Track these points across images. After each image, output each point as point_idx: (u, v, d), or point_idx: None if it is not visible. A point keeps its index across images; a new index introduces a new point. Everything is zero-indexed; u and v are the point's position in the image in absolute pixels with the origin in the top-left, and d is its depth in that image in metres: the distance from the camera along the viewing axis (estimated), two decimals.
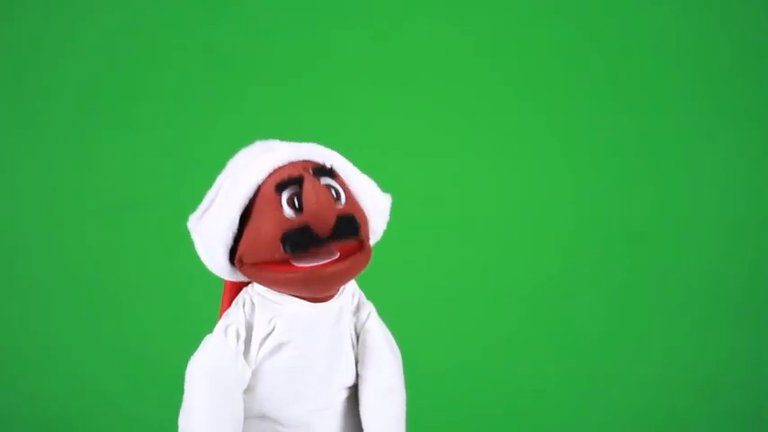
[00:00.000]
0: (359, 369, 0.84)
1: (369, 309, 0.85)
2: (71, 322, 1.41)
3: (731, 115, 1.49)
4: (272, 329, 0.80)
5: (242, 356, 0.80)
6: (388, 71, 1.49)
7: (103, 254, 1.43)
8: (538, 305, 1.44)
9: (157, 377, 1.33)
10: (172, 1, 1.48)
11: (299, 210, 0.77)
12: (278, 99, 1.46)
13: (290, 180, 0.78)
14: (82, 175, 1.45)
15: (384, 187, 0.85)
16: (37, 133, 1.45)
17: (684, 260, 1.46)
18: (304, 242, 0.76)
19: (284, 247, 0.76)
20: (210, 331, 0.81)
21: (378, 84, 1.48)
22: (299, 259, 0.78)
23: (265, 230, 0.77)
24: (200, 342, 0.81)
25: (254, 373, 0.81)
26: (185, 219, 0.82)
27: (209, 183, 0.83)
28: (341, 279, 0.79)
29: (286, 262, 0.78)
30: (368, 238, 0.81)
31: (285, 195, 0.77)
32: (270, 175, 0.79)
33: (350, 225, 0.77)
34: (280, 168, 0.79)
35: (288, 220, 0.77)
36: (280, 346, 0.80)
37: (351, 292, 0.84)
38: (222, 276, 0.82)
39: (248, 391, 0.81)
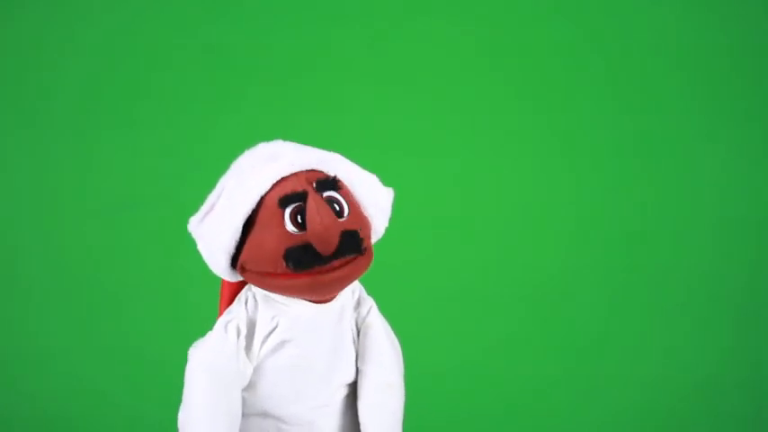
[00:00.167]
0: (359, 364, 0.84)
1: (369, 304, 0.85)
2: (71, 322, 1.41)
3: (731, 115, 1.49)
4: (275, 327, 0.80)
5: (243, 352, 0.80)
6: (388, 71, 1.49)
7: (103, 254, 1.43)
8: (538, 305, 1.44)
9: (157, 377, 1.33)
10: (172, 1, 1.48)
11: (302, 226, 0.77)
12: (278, 99, 1.46)
13: (294, 195, 0.77)
14: (82, 175, 1.45)
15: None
16: (37, 133, 1.45)
17: (684, 260, 1.46)
18: (307, 261, 0.76)
19: (287, 264, 0.76)
20: (212, 328, 0.81)
21: (378, 84, 1.48)
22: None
23: (268, 245, 0.77)
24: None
25: (256, 371, 0.81)
26: (185, 219, 0.82)
27: (209, 183, 0.83)
28: (344, 284, 0.79)
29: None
30: (370, 244, 0.81)
31: (288, 210, 0.77)
32: (274, 186, 0.79)
33: (353, 241, 0.78)
34: (284, 180, 0.79)
35: (291, 236, 0.77)
36: (282, 344, 0.80)
37: (351, 288, 0.84)
38: (223, 277, 0.82)
39: (250, 388, 0.81)
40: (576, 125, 1.49)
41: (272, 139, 0.83)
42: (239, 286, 0.84)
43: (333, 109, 1.46)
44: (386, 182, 0.85)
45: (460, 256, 1.45)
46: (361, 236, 0.78)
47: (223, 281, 0.84)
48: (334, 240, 0.76)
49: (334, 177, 0.79)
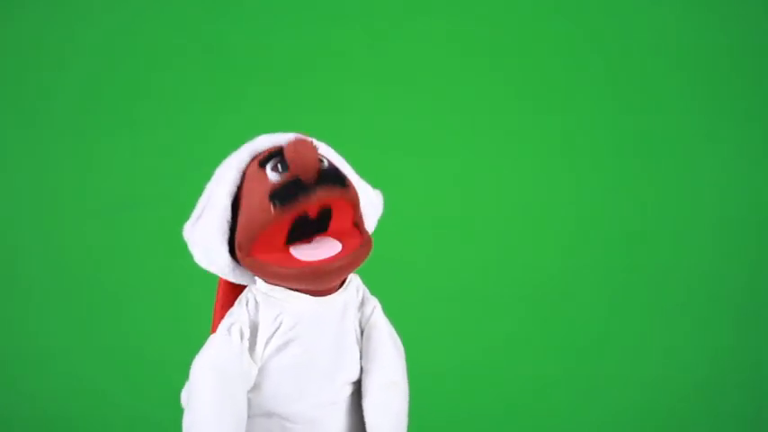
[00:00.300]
0: (363, 363, 0.84)
1: (373, 303, 0.85)
2: (71, 322, 1.41)
3: (731, 115, 1.49)
4: (278, 327, 0.80)
5: (247, 354, 0.80)
6: (388, 71, 1.49)
7: (103, 254, 1.43)
8: (538, 305, 1.44)
9: (157, 377, 1.33)
10: (172, 1, 1.48)
11: (283, 171, 0.77)
12: (278, 99, 1.46)
13: (272, 153, 0.78)
14: (82, 175, 1.45)
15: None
16: (37, 133, 1.45)
17: (684, 260, 1.46)
18: (291, 192, 0.76)
19: (274, 205, 0.76)
20: (210, 331, 0.82)
21: (378, 84, 1.48)
22: (299, 250, 0.78)
23: (255, 201, 0.77)
24: (200, 342, 0.81)
25: (261, 371, 0.81)
26: (185, 219, 0.82)
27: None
28: (343, 272, 0.79)
29: (286, 252, 0.78)
30: (361, 220, 0.81)
31: (269, 166, 0.78)
32: (252, 159, 0.80)
33: (334, 171, 0.78)
34: (264, 151, 0.80)
35: (273, 183, 0.77)
36: (286, 344, 0.80)
37: (355, 287, 0.84)
38: (226, 276, 0.82)
39: (255, 389, 0.81)
40: (576, 125, 1.49)
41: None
42: (236, 290, 0.84)
43: (333, 109, 1.46)
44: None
45: (460, 256, 1.45)
46: (344, 175, 0.78)
47: (219, 282, 0.84)
48: (314, 162, 0.76)
49: (312, 141, 0.80)
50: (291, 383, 0.81)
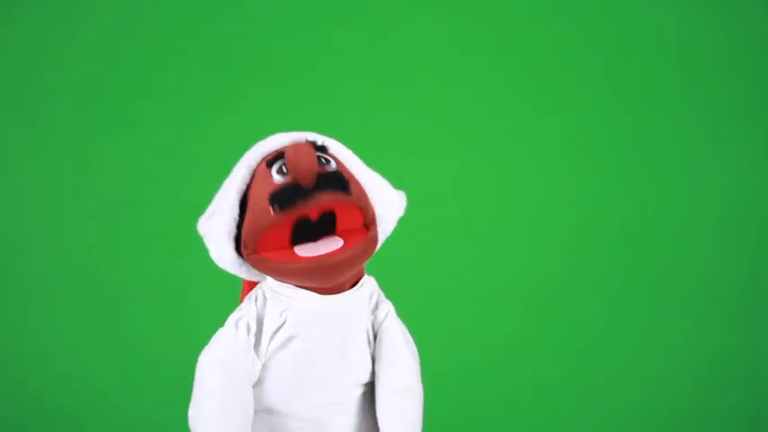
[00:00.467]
0: (376, 368, 0.83)
1: (387, 308, 0.85)
2: (71, 322, 1.41)
3: (731, 115, 1.49)
4: (283, 323, 0.81)
5: (252, 350, 0.80)
6: (388, 71, 1.49)
7: (103, 254, 1.43)
8: (538, 305, 1.44)
9: (157, 377, 1.33)
10: (172, 1, 1.48)
11: (286, 174, 0.78)
12: (278, 99, 1.46)
13: (280, 155, 0.79)
14: (82, 175, 1.45)
15: None
16: (37, 133, 1.45)
17: (684, 260, 1.46)
18: (289, 196, 0.77)
19: (273, 206, 0.77)
20: (222, 325, 0.82)
21: (378, 84, 1.48)
22: (303, 248, 0.78)
23: (258, 202, 0.78)
24: (200, 341, 0.82)
25: (264, 367, 0.81)
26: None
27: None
28: (344, 267, 0.79)
29: (289, 250, 0.78)
30: (373, 221, 0.81)
31: (275, 167, 0.79)
32: (264, 158, 0.80)
33: (335, 177, 0.78)
34: (274, 151, 0.81)
35: (276, 184, 0.78)
36: (290, 339, 0.81)
37: (369, 290, 0.84)
38: (233, 272, 0.82)
39: (257, 384, 0.81)
40: (576, 125, 1.49)
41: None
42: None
43: (333, 109, 1.46)
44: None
45: (460, 256, 1.45)
46: (347, 179, 0.78)
47: (243, 284, 0.84)
48: (312, 167, 0.77)
49: (323, 143, 0.80)
50: (293, 381, 0.81)
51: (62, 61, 1.47)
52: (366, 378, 0.83)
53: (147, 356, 1.37)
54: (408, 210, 0.93)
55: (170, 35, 1.47)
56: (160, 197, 1.43)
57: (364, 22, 1.49)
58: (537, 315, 1.43)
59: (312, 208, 0.77)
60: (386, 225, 0.83)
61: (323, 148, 0.80)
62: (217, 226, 0.80)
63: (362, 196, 0.80)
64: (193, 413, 0.80)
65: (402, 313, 0.90)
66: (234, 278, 0.88)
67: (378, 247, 0.82)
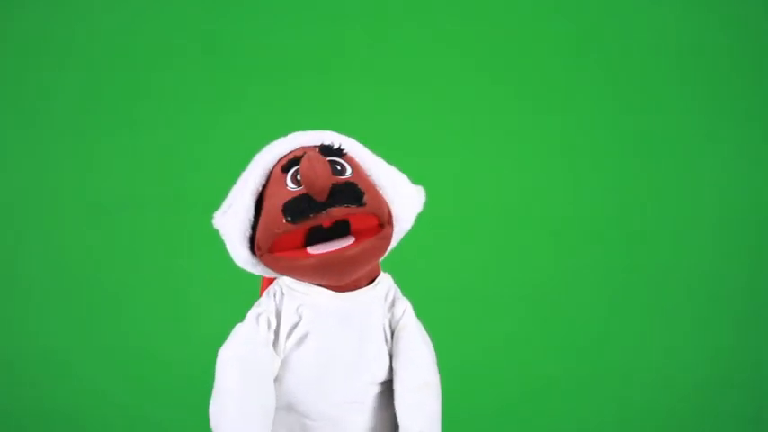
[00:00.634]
0: (394, 364, 0.83)
1: (404, 305, 0.85)
2: (71, 322, 1.41)
3: (731, 115, 1.49)
4: (300, 319, 0.81)
5: (271, 346, 0.80)
6: (388, 71, 1.49)
7: (103, 254, 1.43)
8: (538, 305, 1.44)
9: (157, 377, 1.33)
10: (172, 1, 1.48)
11: (300, 184, 0.78)
12: (278, 99, 1.46)
13: (295, 160, 0.79)
14: (82, 175, 1.45)
15: None
16: (37, 133, 1.45)
17: (684, 260, 1.46)
18: (302, 209, 0.77)
19: (285, 217, 0.77)
20: (242, 320, 0.82)
21: (378, 84, 1.48)
22: (314, 245, 0.78)
23: (271, 208, 0.78)
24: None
25: (282, 364, 0.81)
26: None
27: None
28: (354, 263, 0.79)
29: (302, 249, 0.78)
30: (389, 221, 0.81)
31: (290, 173, 0.79)
32: (280, 160, 0.80)
33: (349, 189, 0.78)
34: (289, 153, 0.81)
35: (290, 192, 0.78)
36: (306, 336, 0.81)
37: (386, 287, 0.84)
38: (248, 269, 0.82)
39: (276, 381, 0.81)
40: (576, 125, 1.49)
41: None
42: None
43: (333, 109, 1.46)
44: None
45: (460, 256, 1.45)
46: (362, 190, 0.78)
47: (262, 280, 0.85)
48: (326, 183, 0.76)
49: (339, 146, 0.80)
50: (311, 378, 0.81)
51: (62, 61, 1.47)
52: (383, 376, 0.83)
53: (147, 356, 1.37)
54: None
55: (170, 35, 1.47)
56: (160, 197, 1.43)
57: (364, 22, 1.49)
58: (537, 315, 1.43)
59: (324, 219, 0.77)
60: (404, 224, 0.83)
61: (339, 152, 0.80)
62: (232, 227, 0.80)
63: (377, 203, 0.80)
64: (214, 410, 0.80)
65: None
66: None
67: (394, 245, 0.82)
